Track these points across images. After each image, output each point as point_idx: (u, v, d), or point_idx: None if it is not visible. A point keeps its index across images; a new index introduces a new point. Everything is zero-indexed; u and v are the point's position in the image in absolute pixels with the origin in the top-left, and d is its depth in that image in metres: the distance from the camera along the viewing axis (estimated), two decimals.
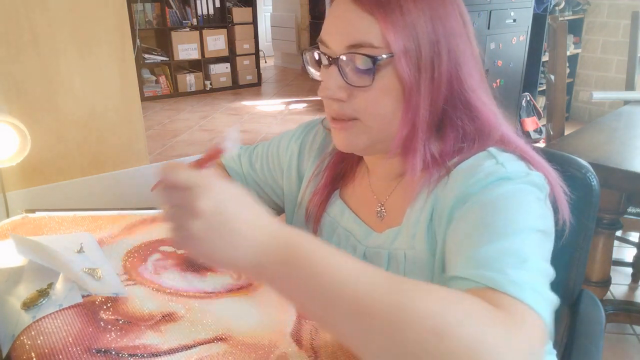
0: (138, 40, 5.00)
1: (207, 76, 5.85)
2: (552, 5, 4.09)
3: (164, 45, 5.55)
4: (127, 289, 0.74)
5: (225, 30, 5.78)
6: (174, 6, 5.45)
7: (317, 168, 0.86)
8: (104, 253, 0.83)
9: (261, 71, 6.35)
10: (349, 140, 0.71)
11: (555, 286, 0.56)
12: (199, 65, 5.76)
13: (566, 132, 1.93)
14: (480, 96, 0.69)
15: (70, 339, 0.62)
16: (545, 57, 4.14)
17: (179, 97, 5.61)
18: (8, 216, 1.27)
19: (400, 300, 0.47)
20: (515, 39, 3.91)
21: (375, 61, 0.64)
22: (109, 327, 0.65)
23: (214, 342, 0.63)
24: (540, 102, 4.37)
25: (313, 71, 0.74)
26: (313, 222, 0.84)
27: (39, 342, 0.61)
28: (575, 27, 4.42)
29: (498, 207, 0.60)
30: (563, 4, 4.21)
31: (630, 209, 1.94)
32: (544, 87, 4.18)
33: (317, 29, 0.73)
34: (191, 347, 0.62)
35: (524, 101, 4.14)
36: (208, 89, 5.83)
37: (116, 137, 1.77)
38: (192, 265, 0.81)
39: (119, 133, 1.77)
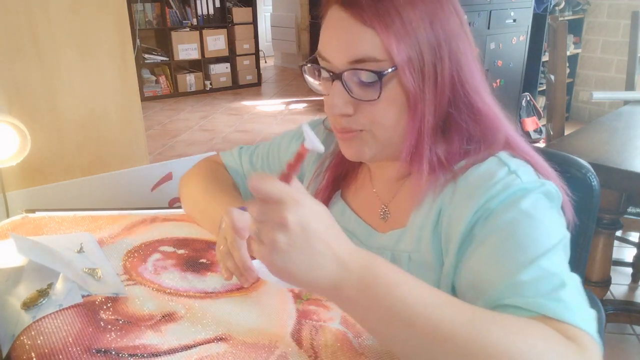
0: (138, 40, 5.00)
1: (207, 76, 5.85)
2: (552, 5, 4.09)
3: (164, 45, 5.55)
4: (127, 289, 0.74)
5: (225, 30, 5.79)
6: (174, 6, 5.45)
7: (318, 169, 0.86)
8: (104, 253, 0.83)
9: (261, 71, 6.35)
10: (357, 150, 0.71)
11: None
12: (199, 65, 5.76)
13: (566, 132, 1.93)
14: (483, 97, 0.69)
15: (70, 339, 0.62)
16: (545, 57, 4.14)
17: (179, 97, 5.61)
18: (8, 216, 1.27)
19: (477, 331, 0.49)
20: (515, 39, 3.91)
21: (381, 76, 0.63)
22: (109, 327, 0.65)
23: (214, 342, 0.63)
24: (540, 102, 4.37)
25: (311, 80, 0.73)
26: None
27: (39, 342, 0.61)
28: (575, 27, 4.42)
29: (524, 226, 0.60)
30: (563, 4, 4.20)
31: (630, 209, 1.94)
32: (544, 87, 4.18)
33: (317, 29, 0.74)
34: (191, 347, 0.62)
35: (524, 101, 4.14)
36: (208, 89, 5.83)
37: (116, 137, 1.77)
38: (192, 265, 0.81)
39: (119, 133, 1.77)
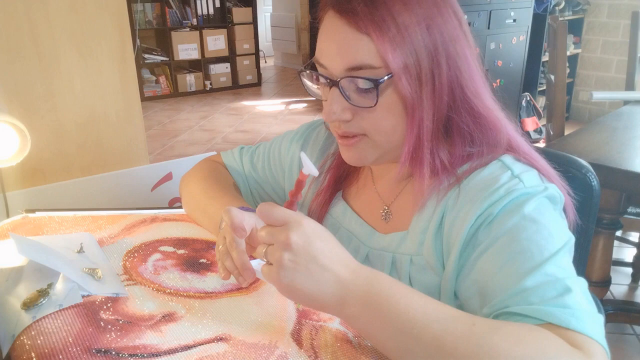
0: (138, 40, 5.00)
1: (207, 76, 5.85)
2: (552, 5, 4.09)
3: (164, 45, 5.55)
4: (127, 289, 0.74)
5: (225, 30, 5.79)
6: (174, 6, 5.45)
7: (319, 169, 0.86)
8: (104, 253, 0.83)
9: (261, 71, 6.35)
10: (358, 155, 0.71)
11: None
12: (199, 65, 5.76)
13: (566, 132, 1.93)
14: (483, 100, 0.68)
15: (70, 339, 0.62)
16: (545, 57, 4.14)
17: (179, 97, 5.61)
18: (8, 216, 1.27)
19: (479, 342, 0.50)
20: (515, 39, 3.91)
21: (378, 84, 0.63)
22: (109, 327, 0.65)
23: (214, 342, 0.63)
24: (540, 102, 4.37)
25: (310, 84, 0.73)
26: None
27: (39, 342, 0.61)
28: (575, 27, 4.42)
29: (527, 232, 0.60)
30: (563, 4, 4.20)
31: (630, 209, 1.94)
32: (544, 87, 4.18)
33: (317, 29, 0.74)
34: (191, 347, 0.62)
35: (524, 101, 4.14)
36: (208, 89, 5.83)
37: (116, 137, 1.77)
38: (192, 265, 0.81)
39: (119, 133, 1.77)
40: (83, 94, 1.67)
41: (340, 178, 0.84)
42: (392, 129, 0.67)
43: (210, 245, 0.88)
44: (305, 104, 5.34)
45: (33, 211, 0.97)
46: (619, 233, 2.29)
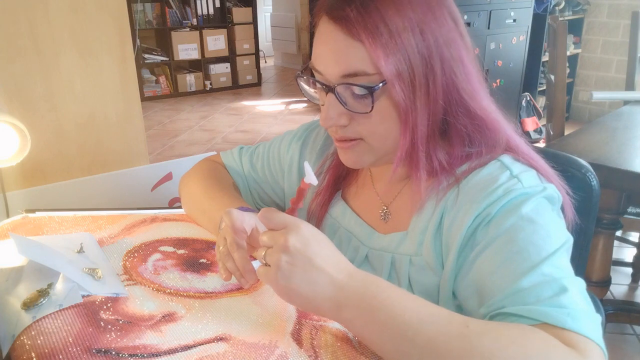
0: (138, 40, 5.00)
1: (207, 76, 5.85)
2: (552, 5, 4.09)
3: (164, 45, 5.55)
4: (127, 289, 0.74)
5: (225, 30, 5.79)
6: (174, 6, 5.45)
7: (318, 169, 0.86)
8: (104, 253, 0.83)
9: (261, 71, 6.35)
10: (355, 158, 0.71)
11: None
12: (199, 65, 5.76)
13: (566, 132, 1.93)
14: (480, 101, 0.68)
15: (70, 339, 0.62)
16: (545, 57, 4.14)
17: (179, 97, 5.61)
18: (8, 216, 1.27)
19: (472, 344, 0.50)
20: (515, 39, 3.91)
21: (372, 90, 0.63)
22: (109, 327, 0.65)
23: (214, 342, 0.63)
24: (540, 102, 4.37)
25: (307, 88, 0.73)
26: (315, 223, 0.84)
27: (39, 342, 0.61)
28: (575, 27, 4.42)
29: (525, 232, 0.60)
30: (563, 4, 4.21)
31: (630, 209, 1.94)
32: (544, 87, 4.18)
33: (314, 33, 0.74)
34: (191, 347, 0.62)
35: (524, 101, 4.14)
36: (208, 89, 5.84)
37: (116, 136, 1.77)
38: (192, 265, 0.81)
39: (119, 133, 1.77)
40: (83, 94, 1.67)
41: (340, 178, 0.84)
42: (388, 134, 0.67)
43: (210, 245, 0.88)
44: (305, 104, 5.34)
45: (33, 211, 0.97)
46: (619, 233, 2.29)
